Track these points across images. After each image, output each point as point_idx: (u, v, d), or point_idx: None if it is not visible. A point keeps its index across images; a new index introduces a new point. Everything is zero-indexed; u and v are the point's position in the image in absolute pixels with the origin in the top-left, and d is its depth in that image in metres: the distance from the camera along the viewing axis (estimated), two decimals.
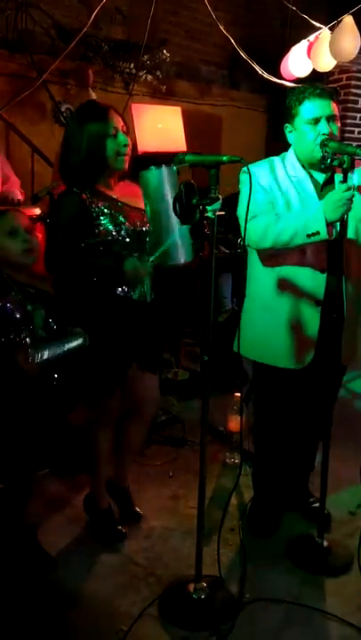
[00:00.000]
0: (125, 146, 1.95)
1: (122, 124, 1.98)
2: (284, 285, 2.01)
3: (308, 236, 1.86)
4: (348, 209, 1.82)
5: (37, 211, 2.92)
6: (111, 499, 2.26)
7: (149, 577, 1.97)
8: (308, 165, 2.03)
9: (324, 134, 1.91)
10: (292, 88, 2.06)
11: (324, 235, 1.84)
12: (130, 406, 2.15)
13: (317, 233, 1.84)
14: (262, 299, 2.05)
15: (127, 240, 1.94)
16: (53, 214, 2.06)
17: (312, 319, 2.00)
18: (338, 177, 2.00)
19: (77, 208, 1.90)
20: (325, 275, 1.98)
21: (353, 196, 1.81)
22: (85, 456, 2.16)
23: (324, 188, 2.03)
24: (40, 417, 1.86)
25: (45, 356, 1.76)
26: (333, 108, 1.96)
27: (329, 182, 2.04)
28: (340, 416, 2.33)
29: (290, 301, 2.01)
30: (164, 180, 1.85)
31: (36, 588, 1.90)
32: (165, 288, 2.21)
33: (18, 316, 1.78)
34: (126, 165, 1.99)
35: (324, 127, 1.93)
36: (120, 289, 1.97)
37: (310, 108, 1.94)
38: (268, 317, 2.04)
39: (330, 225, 1.84)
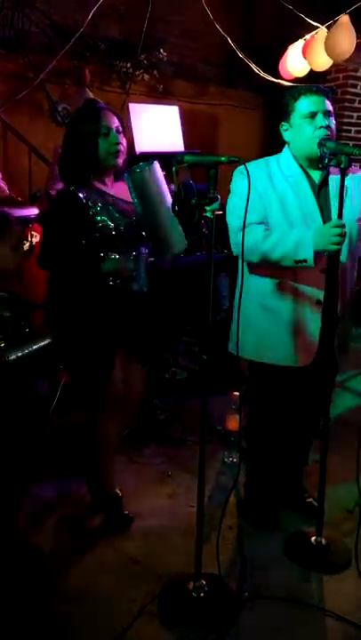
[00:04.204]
0: (116, 144, 2.01)
1: (116, 123, 2.03)
2: (284, 285, 2.02)
3: (296, 262, 1.88)
4: (339, 244, 1.82)
5: (35, 210, 2.93)
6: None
7: (149, 575, 1.98)
8: (307, 162, 2.03)
9: (321, 127, 1.94)
10: (288, 87, 2.08)
11: (311, 263, 1.86)
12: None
13: (305, 261, 1.86)
14: (261, 298, 2.05)
15: (124, 233, 2.00)
16: (52, 212, 2.11)
17: (313, 318, 2.01)
18: (333, 179, 2.01)
19: (75, 205, 1.96)
20: (325, 274, 1.98)
21: (344, 233, 1.82)
22: (90, 443, 2.20)
23: (320, 191, 2.03)
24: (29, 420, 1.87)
25: (15, 357, 1.77)
26: (328, 104, 1.98)
27: (324, 183, 2.04)
28: (339, 415, 2.34)
29: (290, 301, 2.02)
30: (155, 176, 1.91)
31: (35, 587, 1.91)
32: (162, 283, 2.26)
33: None
34: (119, 162, 2.05)
35: (321, 120, 1.95)
36: (118, 281, 2.02)
37: (307, 102, 1.97)
38: (268, 317, 2.05)
39: (319, 253, 1.86)
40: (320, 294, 1.99)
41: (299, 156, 2.04)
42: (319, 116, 1.95)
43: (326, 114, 1.96)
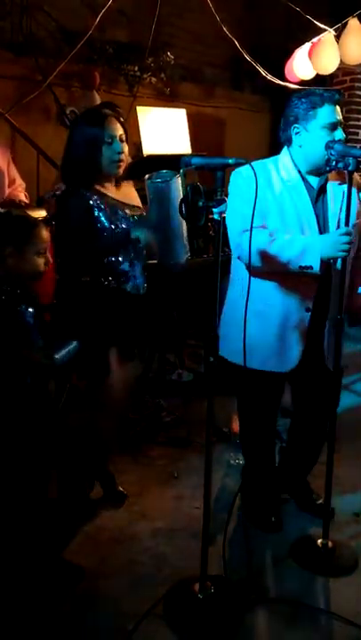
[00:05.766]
0: (119, 153, 2.03)
1: (120, 131, 2.05)
2: (274, 291, 2.01)
3: (301, 268, 1.87)
4: (348, 252, 1.83)
5: (43, 213, 2.95)
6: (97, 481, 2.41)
7: (155, 577, 1.98)
8: (306, 168, 2.00)
9: (340, 140, 1.92)
10: (305, 90, 2.03)
11: (316, 270, 1.86)
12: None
13: (310, 267, 1.86)
14: (251, 303, 1.98)
15: (123, 235, 2.04)
16: (61, 214, 2.13)
17: (302, 324, 2.01)
18: (331, 186, 2.00)
19: (84, 207, 2.00)
20: (316, 281, 1.97)
21: (351, 241, 1.82)
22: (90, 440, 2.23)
23: (318, 199, 2.02)
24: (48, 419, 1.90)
25: (60, 356, 1.81)
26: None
27: (322, 190, 2.03)
28: (346, 418, 2.34)
29: (280, 307, 2.01)
30: (178, 188, 1.96)
31: (41, 588, 1.91)
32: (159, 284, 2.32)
33: (31, 320, 1.84)
34: (120, 171, 2.08)
35: (339, 133, 1.93)
36: (112, 281, 2.07)
37: (330, 112, 1.93)
38: (257, 322, 2.01)
39: (325, 261, 1.86)
40: (310, 301, 1.99)
41: (302, 162, 2.00)
42: (339, 130, 1.94)
43: (341, 125, 1.96)
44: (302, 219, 1.98)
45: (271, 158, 2.07)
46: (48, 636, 1.75)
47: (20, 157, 3.85)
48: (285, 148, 2.06)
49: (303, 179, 2.02)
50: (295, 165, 2.02)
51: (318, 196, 2.03)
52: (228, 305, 2.10)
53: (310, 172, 2.02)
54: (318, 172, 2.01)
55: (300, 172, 2.02)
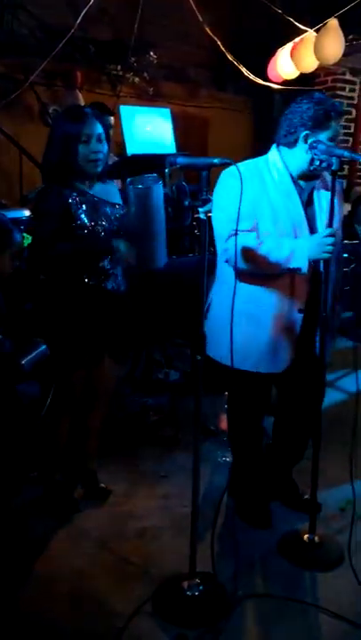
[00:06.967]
0: (95, 153, 2.02)
1: (99, 131, 2.03)
2: (267, 293, 2.02)
3: (289, 270, 1.90)
4: (332, 253, 1.85)
5: (27, 212, 2.93)
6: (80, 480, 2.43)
7: (143, 575, 1.99)
8: (298, 172, 1.99)
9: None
10: (311, 93, 1.98)
11: (305, 271, 1.89)
12: (92, 393, 2.29)
13: (299, 269, 1.88)
14: (242, 305, 1.98)
15: (102, 234, 2.06)
16: (36, 210, 2.16)
17: (293, 325, 2.03)
18: (319, 194, 2.02)
19: (58, 203, 2.00)
20: (307, 282, 1.99)
21: (335, 242, 1.85)
22: (48, 435, 2.28)
23: (308, 207, 2.02)
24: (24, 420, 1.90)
25: (25, 361, 1.81)
26: None
27: (312, 194, 2.03)
28: (332, 414, 2.37)
29: (272, 309, 2.01)
30: (160, 193, 2.01)
31: (30, 588, 1.91)
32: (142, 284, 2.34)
33: None
34: (98, 170, 2.07)
35: (340, 150, 1.91)
36: (93, 280, 2.08)
37: (338, 126, 1.94)
38: (249, 325, 2.01)
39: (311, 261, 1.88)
40: (302, 302, 2.01)
41: (297, 165, 1.97)
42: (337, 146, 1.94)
43: None
44: (295, 222, 1.98)
45: (260, 158, 2.03)
46: (38, 637, 1.75)
47: (2, 156, 3.82)
48: (275, 148, 2.02)
49: (294, 181, 2.00)
50: (286, 168, 1.99)
51: (308, 199, 2.03)
52: (215, 307, 2.09)
53: (301, 177, 2.01)
54: (309, 177, 2.01)
55: (291, 174, 2.00)
